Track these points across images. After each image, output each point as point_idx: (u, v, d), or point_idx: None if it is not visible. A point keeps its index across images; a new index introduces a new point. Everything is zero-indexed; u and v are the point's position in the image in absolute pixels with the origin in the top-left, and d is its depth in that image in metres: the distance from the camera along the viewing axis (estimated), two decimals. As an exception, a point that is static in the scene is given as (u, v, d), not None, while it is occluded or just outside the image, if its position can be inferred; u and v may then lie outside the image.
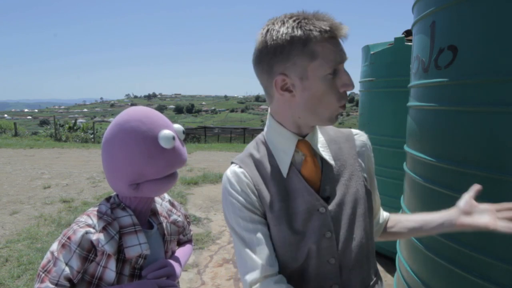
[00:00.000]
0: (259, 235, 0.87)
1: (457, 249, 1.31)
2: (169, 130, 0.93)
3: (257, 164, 0.92)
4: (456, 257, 1.32)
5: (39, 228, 4.03)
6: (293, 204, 0.91)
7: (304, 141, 0.91)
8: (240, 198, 0.89)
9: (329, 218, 0.89)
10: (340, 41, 0.83)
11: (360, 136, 1.00)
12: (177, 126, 0.99)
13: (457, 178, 1.30)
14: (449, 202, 1.34)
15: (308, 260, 0.91)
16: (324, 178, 0.91)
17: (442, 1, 1.34)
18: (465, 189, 1.27)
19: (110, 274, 0.91)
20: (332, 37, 0.80)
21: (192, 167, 7.72)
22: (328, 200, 0.90)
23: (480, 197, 1.21)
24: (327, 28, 0.79)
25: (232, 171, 0.91)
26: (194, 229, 4.18)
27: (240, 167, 0.92)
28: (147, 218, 1.06)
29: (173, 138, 0.92)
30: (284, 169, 0.90)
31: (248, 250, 0.87)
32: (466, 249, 1.27)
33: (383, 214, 1.11)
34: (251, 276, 0.85)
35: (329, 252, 0.89)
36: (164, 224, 1.08)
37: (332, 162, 0.93)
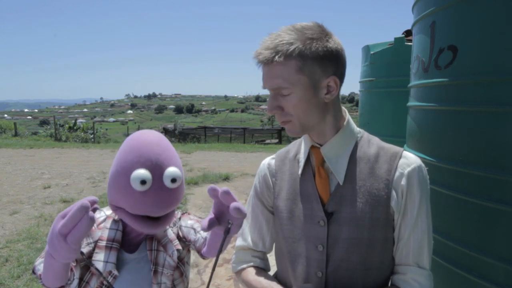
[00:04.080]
0: (257, 216, 1.04)
1: (457, 249, 1.31)
2: (145, 171, 0.82)
3: (288, 159, 1.01)
4: (456, 257, 1.32)
5: (39, 228, 4.02)
6: (300, 205, 0.93)
7: (316, 150, 0.92)
8: (257, 183, 1.05)
9: (326, 233, 0.89)
10: (264, 69, 0.84)
11: (407, 166, 0.88)
12: (169, 172, 0.85)
13: (457, 178, 1.30)
14: (449, 202, 1.35)
15: (296, 265, 0.93)
16: (333, 192, 0.90)
17: (442, 1, 1.34)
18: (465, 189, 1.28)
19: (75, 281, 0.90)
20: (258, 63, 0.85)
21: (192, 167, 7.71)
22: (331, 215, 0.89)
23: (481, 197, 1.22)
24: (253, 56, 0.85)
25: (267, 159, 1.07)
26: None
27: (273, 158, 1.06)
28: (140, 240, 0.99)
29: (142, 182, 0.81)
30: (300, 170, 0.96)
31: (245, 221, 1.06)
32: (466, 249, 1.27)
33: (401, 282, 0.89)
34: (239, 242, 1.07)
35: (317, 265, 0.90)
36: (157, 253, 0.99)
37: (340, 180, 0.89)
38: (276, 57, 0.80)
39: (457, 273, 1.32)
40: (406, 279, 0.87)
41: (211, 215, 0.78)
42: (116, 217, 0.98)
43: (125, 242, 0.98)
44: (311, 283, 0.89)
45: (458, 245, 1.30)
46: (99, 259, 0.90)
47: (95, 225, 0.93)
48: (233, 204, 0.72)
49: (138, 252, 0.99)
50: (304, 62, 0.81)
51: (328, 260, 0.89)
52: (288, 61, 0.81)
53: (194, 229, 1.07)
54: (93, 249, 0.92)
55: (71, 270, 0.88)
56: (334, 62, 0.84)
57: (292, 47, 0.80)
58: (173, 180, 0.86)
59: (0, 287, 2.81)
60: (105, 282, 0.92)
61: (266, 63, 0.82)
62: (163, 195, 0.85)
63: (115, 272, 0.92)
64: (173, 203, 0.87)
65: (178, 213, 1.11)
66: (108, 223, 0.96)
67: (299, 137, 0.92)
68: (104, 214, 0.99)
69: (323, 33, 0.83)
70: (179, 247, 1.03)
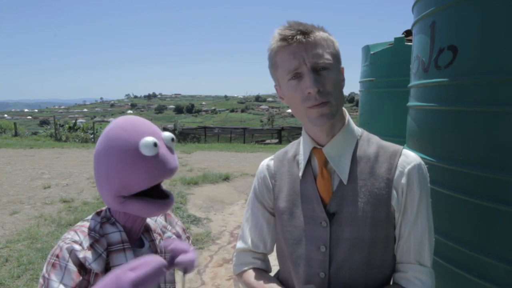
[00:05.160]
0: (257, 218, 1.04)
1: (457, 249, 1.31)
2: (152, 137, 0.88)
3: (286, 160, 1.01)
4: (456, 257, 1.32)
5: (39, 228, 4.02)
6: (300, 206, 0.93)
7: (319, 150, 0.92)
8: (257, 185, 1.05)
9: (328, 233, 0.88)
10: (299, 46, 0.82)
11: (406, 164, 0.88)
12: (166, 134, 0.94)
13: (457, 178, 1.30)
14: (449, 202, 1.35)
15: (298, 267, 0.93)
16: (335, 193, 0.89)
17: (442, 1, 1.34)
18: (465, 189, 1.28)
19: None
20: (285, 45, 0.84)
21: (192, 167, 7.71)
22: (333, 216, 0.89)
23: (481, 197, 1.22)
24: (279, 38, 0.84)
25: (265, 160, 1.07)
26: (194, 229, 4.18)
27: (272, 159, 1.06)
28: (139, 235, 1.01)
29: (154, 144, 0.86)
30: (300, 172, 0.95)
31: (246, 224, 1.07)
32: (466, 249, 1.27)
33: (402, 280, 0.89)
34: (239, 244, 1.07)
35: (320, 265, 0.90)
36: (157, 242, 1.03)
37: (344, 180, 0.89)
38: (317, 31, 0.84)
39: (457, 273, 1.32)
40: (407, 277, 0.87)
41: (170, 258, 0.91)
42: (111, 220, 0.95)
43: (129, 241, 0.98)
44: (313, 284, 0.89)
45: (458, 245, 1.30)
46: (120, 263, 0.88)
47: (97, 235, 0.90)
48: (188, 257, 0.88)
49: (145, 246, 1.02)
50: (335, 43, 0.87)
51: (330, 261, 0.88)
52: (327, 37, 0.85)
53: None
54: (107, 257, 0.89)
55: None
56: None
57: (322, 30, 0.86)
58: (172, 139, 0.94)
59: (0, 287, 2.81)
60: None
61: (308, 36, 0.82)
62: (170, 154, 0.92)
63: None
64: (177, 164, 0.95)
65: None
66: (108, 229, 0.93)
67: (325, 125, 0.87)
68: (81, 242, 0.88)
69: None
70: (174, 230, 1.10)
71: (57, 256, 0.83)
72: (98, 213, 0.97)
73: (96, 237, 0.89)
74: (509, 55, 1.10)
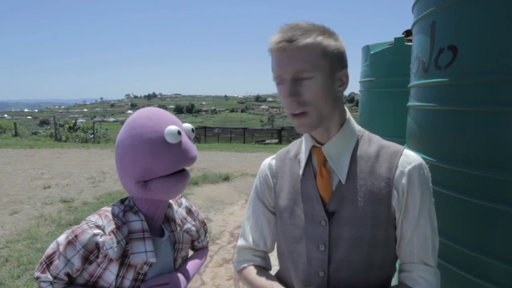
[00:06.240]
0: (258, 216, 1.04)
1: (457, 249, 1.31)
2: (175, 126, 0.94)
3: (288, 158, 1.01)
4: (456, 257, 1.32)
5: (39, 228, 4.03)
6: (300, 205, 0.93)
7: (318, 149, 0.92)
8: (258, 184, 1.06)
9: (327, 232, 0.89)
10: (283, 54, 0.81)
11: (407, 164, 0.87)
12: (186, 124, 1.01)
13: (457, 178, 1.30)
14: (449, 202, 1.35)
15: (298, 265, 0.93)
16: (334, 192, 0.90)
17: (442, 1, 1.34)
18: (465, 189, 1.28)
19: (110, 275, 0.92)
20: (273, 51, 0.84)
21: (192, 167, 7.72)
22: (332, 215, 0.89)
23: (481, 197, 1.21)
24: (270, 41, 0.84)
25: (267, 159, 1.07)
26: (194, 229, 4.19)
27: (274, 158, 1.06)
28: (160, 224, 1.05)
29: (179, 133, 0.92)
30: (301, 170, 0.95)
31: (247, 222, 1.07)
32: (466, 249, 1.27)
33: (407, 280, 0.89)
34: (240, 242, 1.07)
35: (319, 264, 0.90)
36: (176, 232, 1.08)
37: (343, 179, 0.89)
38: (303, 38, 0.81)
39: (457, 273, 1.32)
40: (412, 276, 0.88)
41: None
42: (134, 209, 0.98)
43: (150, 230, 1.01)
44: (313, 286, 0.89)
45: (458, 245, 1.30)
46: (138, 251, 0.93)
47: (119, 222, 0.94)
48: None
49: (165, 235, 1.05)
50: (327, 48, 0.82)
51: (330, 260, 0.89)
52: (314, 44, 0.81)
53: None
54: (125, 244, 0.93)
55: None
56: (345, 57, 0.88)
57: (315, 33, 0.82)
58: (193, 130, 1.01)
59: (0, 287, 2.81)
60: (141, 272, 0.96)
61: (291, 44, 0.80)
62: (191, 143, 0.99)
63: (153, 260, 0.95)
64: (197, 153, 1.02)
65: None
66: (130, 217, 0.97)
67: (310, 133, 0.88)
68: (104, 227, 0.93)
69: (331, 31, 0.87)
70: (193, 222, 1.15)
71: (76, 236, 0.89)
72: (122, 201, 1.02)
73: (118, 223, 0.93)
74: (509, 55, 1.10)
